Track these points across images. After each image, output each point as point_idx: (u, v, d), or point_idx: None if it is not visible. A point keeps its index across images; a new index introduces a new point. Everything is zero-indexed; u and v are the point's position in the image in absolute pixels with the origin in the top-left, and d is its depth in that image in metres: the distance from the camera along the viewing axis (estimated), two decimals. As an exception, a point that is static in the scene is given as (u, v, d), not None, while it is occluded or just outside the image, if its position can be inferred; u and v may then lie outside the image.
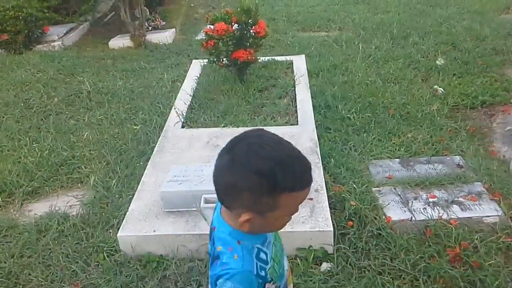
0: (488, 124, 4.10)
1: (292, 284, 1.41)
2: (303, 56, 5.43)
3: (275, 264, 1.24)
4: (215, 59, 4.52)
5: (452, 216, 2.72)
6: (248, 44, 4.50)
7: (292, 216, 1.20)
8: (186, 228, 2.69)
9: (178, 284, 2.47)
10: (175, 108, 4.12)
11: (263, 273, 1.19)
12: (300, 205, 1.17)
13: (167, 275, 2.53)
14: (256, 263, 1.18)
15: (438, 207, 2.81)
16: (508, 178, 3.09)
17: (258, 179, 1.08)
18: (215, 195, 2.93)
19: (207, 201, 2.70)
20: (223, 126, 3.84)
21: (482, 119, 4.20)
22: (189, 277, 2.49)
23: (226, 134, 3.67)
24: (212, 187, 2.94)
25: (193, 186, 2.81)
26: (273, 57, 5.32)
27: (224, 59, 4.50)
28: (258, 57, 4.75)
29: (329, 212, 2.73)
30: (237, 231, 1.18)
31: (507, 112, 4.25)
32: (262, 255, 1.21)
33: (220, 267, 1.16)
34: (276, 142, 1.14)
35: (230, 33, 4.30)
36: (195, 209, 2.74)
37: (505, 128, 4.00)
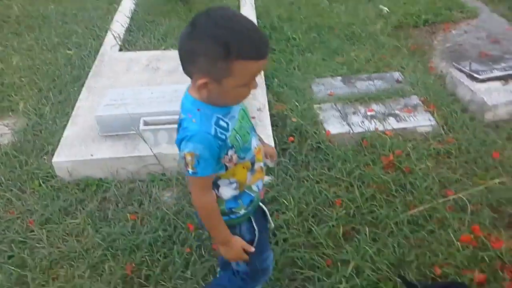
0: (429, 42, 4.15)
1: (263, 163, 1.48)
2: (248, -23, 5.21)
3: (238, 135, 1.32)
4: (153, -21, 4.26)
5: (388, 128, 2.80)
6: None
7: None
8: (125, 151, 2.63)
9: (119, 204, 2.44)
10: (111, 31, 3.90)
11: (223, 137, 1.28)
12: (256, 79, 1.25)
13: (107, 197, 2.50)
14: (215, 128, 1.27)
15: (375, 120, 2.87)
16: (443, 91, 3.18)
17: (214, 43, 1.15)
18: (154, 118, 2.84)
19: (146, 123, 2.65)
20: (164, 49, 3.70)
21: (424, 37, 4.24)
22: (130, 198, 2.47)
23: (167, 57, 3.55)
24: (151, 110, 2.86)
25: (131, 109, 2.72)
26: (217, -23, 5.07)
27: (162, -22, 4.26)
28: (201, -23, 4.52)
29: (270, 129, 2.75)
30: (198, 101, 1.27)
31: (448, 29, 4.30)
32: (222, 123, 1.29)
33: (182, 132, 1.28)
34: (236, 15, 1.21)
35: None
36: (134, 132, 2.67)
37: (444, 45, 4.07)
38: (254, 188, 1.46)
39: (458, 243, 2.03)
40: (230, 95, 1.25)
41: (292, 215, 2.23)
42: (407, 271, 1.93)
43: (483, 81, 3.04)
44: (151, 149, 2.59)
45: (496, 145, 2.64)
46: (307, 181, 2.48)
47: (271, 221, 1.60)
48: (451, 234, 2.06)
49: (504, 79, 3.08)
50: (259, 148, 1.45)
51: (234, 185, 1.40)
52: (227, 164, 1.34)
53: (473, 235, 2.06)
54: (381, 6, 4.67)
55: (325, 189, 2.41)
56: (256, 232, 1.52)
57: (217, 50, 1.14)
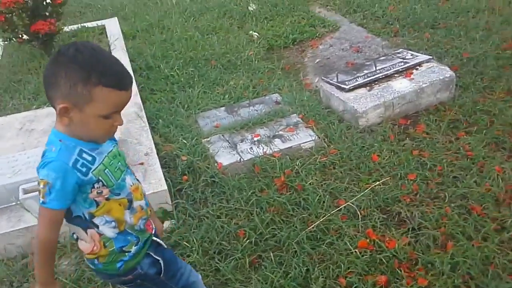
0: (300, 60, 4.42)
1: (143, 201, 1.46)
2: (116, 18, 5.16)
3: (109, 170, 1.32)
4: (11, 36, 4.02)
5: (275, 149, 2.91)
6: (47, 14, 4.10)
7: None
8: (9, 225, 2.45)
9: (14, 284, 2.26)
10: (-26, 98, 3.61)
11: (84, 169, 1.27)
12: (121, 113, 1.29)
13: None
14: (76, 159, 1.26)
15: (262, 144, 2.97)
16: (319, 105, 3.40)
17: (74, 65, 1.18)
18: (33, 184, 2.67)
19: (26, 192, 2.48)
20: (36, 108, 3.49)
21: (295, 56, 4.51)
22: (25, 274, 2.29)
23: (42, 115, 3.37)
24: (29, 176, 2.67)
25: (7, 180, 2.56)
26: (82, 24, 4.95)
27: (22, 34, 4.04)
28: (63, 27, 4.37)
29: (161, 172, 2.71)
30: (62, 133, 1.27)
31: (315, 46, 4.63)
32: (86, 156, 1.28)
33: (41, 161, 1.26)
34: (101, 48, 1.27)
35: (21, 4, 3.85)
36: (15, 203, 2.48)
37: (314, 61, 4.36)
38: (137, 227, 1.43)
39: (356, 250, 2.15)
40: (92, 125, 1.25)
41: (197, 257, 2.21)
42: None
43: (350, 90, 3.30)
44: (36, 218, 2.42)
45: (373, 148, 2.86)
46: (207, 218, 2.48)
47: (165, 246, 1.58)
48: (348, 243, 2.18)
49: (368, 84, 3.37)
50: (136, 186, 1.44)
51: (112, 223, 1.37)
52: (97, 200, 1.32)
53: (369, 239, 2.20)
54: (251, 32, 4.89)
55: (226, 223, 2.42)
56: (161, 262, 1.51)
57: (78, 73, 1.18)
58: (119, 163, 1.38)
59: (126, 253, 1.42)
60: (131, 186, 1.41)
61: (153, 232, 1.52)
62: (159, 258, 1.51)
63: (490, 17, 4.39)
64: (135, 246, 1.43)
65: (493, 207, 2.27)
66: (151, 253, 1.49)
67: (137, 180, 1.48)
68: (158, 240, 1.53)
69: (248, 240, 2.29)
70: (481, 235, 2.12)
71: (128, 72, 1.27)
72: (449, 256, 2.03)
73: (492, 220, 2.20)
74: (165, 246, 1.58)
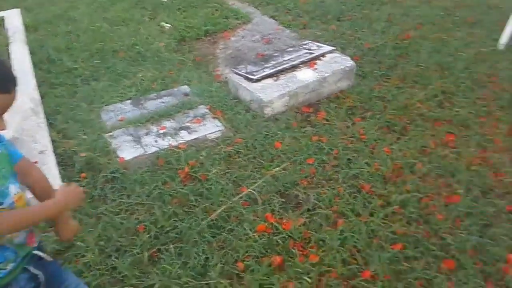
0: (212, 51, 4.38)
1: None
2: (18, 10, 4.82)
3: None
4: None
5: (181, 141, 2.86)
6: None
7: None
8: None
9: None
10: None
11: None
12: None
13: None
14: None
15: (168, 137, 2.92)
16: (227, 96, 3.39)
17: None
18: None
19: None
20: None
21: (207, 47, 4.47)
22: None
23: None
24: None
25: None
26: (-23, 16, 4.58)
27: None
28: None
29: (57, 171, 2.58)
30: None
31: (227, 37, 4.61)
32: None
33: None
34: None
35: None
36: None
37: (226, 52, 4.35)
38: (17, 241, 1.30)
39: (255, 234, 2.18)
40: None
41: (92, 256, 2.11)
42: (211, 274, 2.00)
43: (257, 80, 3.32)
44: None
45: (277, 136, 2.90)
46: (105, 215, 2.38)
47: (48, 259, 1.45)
48: (247, 228, 2.20)
49: (275, 75, 3.41)
50: (20, 195, 1.31)
51: None
52: None
53: (267, 223, 2.24)
54: (162, 23, 4.78)
55: (126, 219, 2.34)
56: (40, 276, 1.38)
57: None
58: (4, 169, 1.26)
59: (1, 271, 1.28)
60: (14, 195, 1.28)
61: (36, 245, 1.39)
62: (38, 273, 1.38)
63: (392, 9, 4.63)
64: (12, 263, 1.29)
65: (381, 185, 2.39)
66: (29, 268, 1.36)
67: (20, 188, 1.34)
68: (40, 253, 1.40)
69: (148, 235, 2.24)
70: (368, 211, 2.24)
71: (12, 74, 1.19)
72: (339, 232, 2.11)
73: (379, 197, 2.32)
74: (50, 259, 1.44)
